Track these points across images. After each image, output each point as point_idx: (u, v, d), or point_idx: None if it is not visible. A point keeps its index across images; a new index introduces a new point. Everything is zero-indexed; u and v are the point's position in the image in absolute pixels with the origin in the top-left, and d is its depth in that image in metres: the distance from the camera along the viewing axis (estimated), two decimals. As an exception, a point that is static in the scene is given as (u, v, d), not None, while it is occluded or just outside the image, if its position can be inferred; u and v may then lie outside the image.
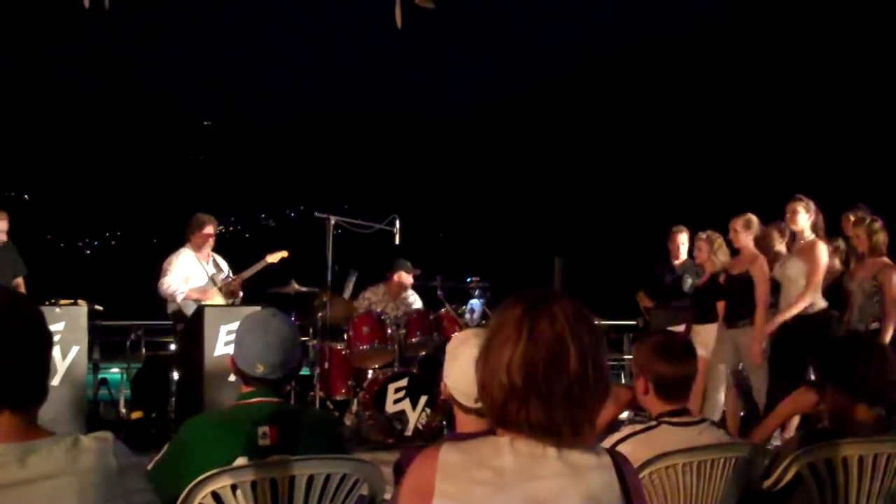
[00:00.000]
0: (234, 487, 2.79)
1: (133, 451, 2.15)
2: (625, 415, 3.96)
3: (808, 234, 7.54)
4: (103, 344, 10.98)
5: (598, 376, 1.95)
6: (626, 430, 3.23)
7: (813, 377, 3.71)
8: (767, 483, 3.27)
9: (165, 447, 3.12)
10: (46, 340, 2.08)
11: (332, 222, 8.56)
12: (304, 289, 8.99)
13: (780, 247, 7.95)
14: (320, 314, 8.81)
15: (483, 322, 8.60)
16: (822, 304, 7.46)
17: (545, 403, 1.92)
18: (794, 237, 7.80)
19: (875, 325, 7.20)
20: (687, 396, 3.26)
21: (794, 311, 7.31)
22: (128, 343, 11.07)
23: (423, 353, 8.88)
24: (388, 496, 2.56)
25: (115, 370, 10.92)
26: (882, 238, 7.30)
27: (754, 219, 7.89)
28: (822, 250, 7.42)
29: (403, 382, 8.42)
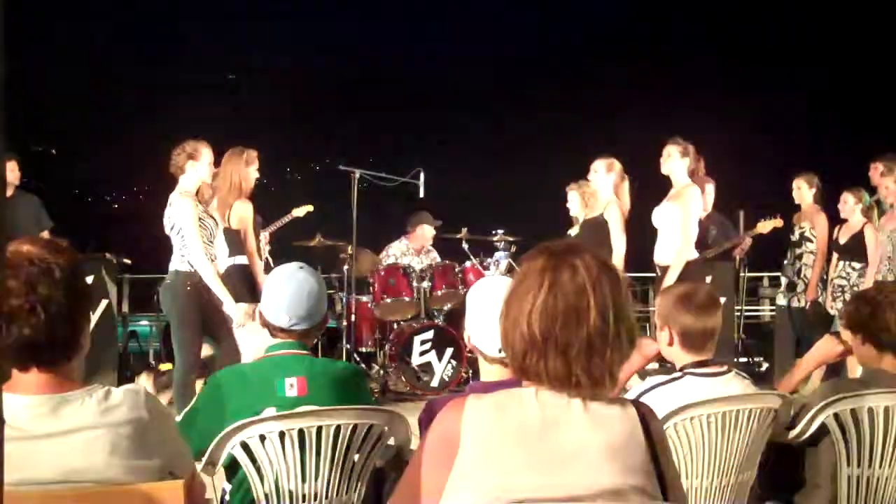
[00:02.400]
0: (262, 437, 2.83)
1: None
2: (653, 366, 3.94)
3: (681, 180, 7.05)
4: (133, 297, 11.08)
5: (619, 329, 1.95)
6: (650, 382, 3.23)
7: (839, 327, 3.68)
8: (793, 434, 3.27)
9: (195, 398, 3.17)
10: (78, 297, 2.07)
11: (357, 176, 8.55)
12: (329, 242, 9.02)
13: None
14: (346, 267, 8.84)
15: (508, 275, 8.59)
16: (693, 254, 7.00)
17: (564, 355, 1.93)
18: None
19: None
20: (711, 347, 3.25)
21: (676, 271, 6.74)
22: (156, 296, 11.17)
23: (449, 305, 8.90)
24: (414, 447, 2.59)
25: (145, 323, 11.02)
26: None
27: (616, 162, 7.58)
28: (696, 196, 6.96)
29: (429, 335, 8.46)
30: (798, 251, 8.48)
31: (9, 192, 8.06)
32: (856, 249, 7.93)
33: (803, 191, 8.49)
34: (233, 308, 6.12)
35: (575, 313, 1.93)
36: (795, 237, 8.53)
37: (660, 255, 7.01)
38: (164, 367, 8.87)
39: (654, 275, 7.33)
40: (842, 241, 8.10)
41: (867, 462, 3.27)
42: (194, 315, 6.13)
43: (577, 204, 8.07)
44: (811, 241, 8.38)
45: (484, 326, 2.85)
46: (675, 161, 6.96)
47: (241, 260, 6.59)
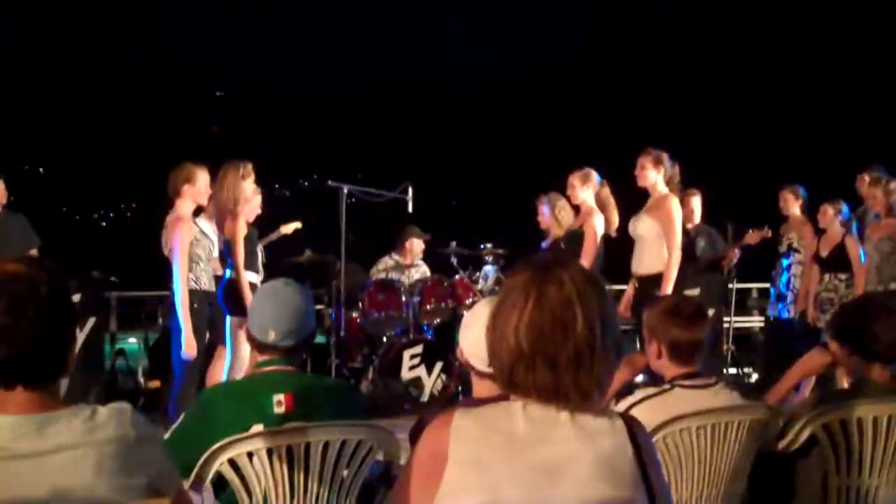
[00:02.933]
0: (250, 455, 2.82)
1: (151, 420, 2.17)
2: (640, 378, 3.95)
3: (661, 190, 6.97)
4: (120, 315, 11.06)
5: (606, 341, 1.96)
6: (639, 394, 3.23)
7: (827, 339, 3.69)
8: (782, 444, 3.28)
9: (182, 416, 3.16)
10: (65, 316, 2.06)
11: (346, 191, 8.55)
12: (318, 257, 9.01)
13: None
14: (335, 282, 8.83)
15: (496, 289, 8.58)
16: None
17: (552, 368, 1.93)
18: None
19: (894, 286, 7.15)
20: (699, 359, 3.26)
21: (671, 279, 6.69)
22: (143, 314, 11.16)
23: (438, 319, 8.89)
24: (403, 462, 2.58)
25: (133, 340, 10.99)
26: None
27: (593, 172, 7.62)
28: (675, 206, 6.87)
29: (418, 349, 8.44)
30: (786, 262, 8.52)
31: None
32: (839, 261, 7.94)
33: (789, 202, 8.54)
34: (188, 339, 6.20)
35: (562, 326, 1.93)
36: (783, 248, 8.56)
37: (638, 266, 7.00)
38: (153, 384, 8.88)
39: (623, 287, 7.27)
40: (823, 253, 8.11)
41: (856, 472, 3.28)
42: (200, 332, 6.21)
43: (548, 216, 8.09)
44: (799, 252, 8.42)
45: (477, 341, 2.85)
46: (649, 172, 6.97)
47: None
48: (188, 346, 6.19)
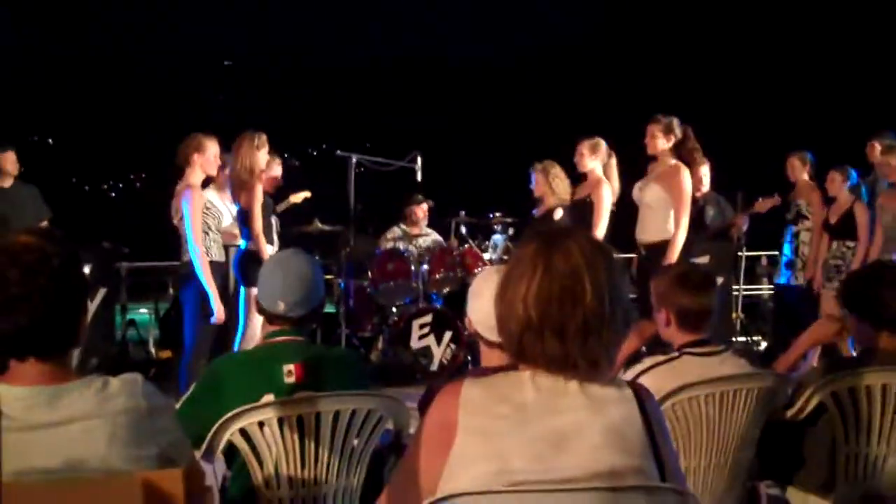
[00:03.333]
0: (261, 424, 2.84)
1: (162, 390, 2.18)
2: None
3: (668, 158, 6.89)
4: (131, 285, 11.09)
5: (615, 310, 1.96)
6: (648, 362, 3.23)
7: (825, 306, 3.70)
8: (791, 412, 3.29)
9: (193, 386, 3.18)
10: (76, 287, 2.08)
11: (354, 161, 8.55)
12: (327, 227, 9.02)
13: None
14: (344, 252, 8.84)
15: (505, 258, 8.58)
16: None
17: (560, 337, 1.93)
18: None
19: None
20: (708, 327, 3.26)
21: (677, 249, 6.64)
22: (154, 284, 11.19)
23: (447, 289, 8.90)
24: (413, 431, 2.60)
25: (144, 311, 11.03)
26: None
27: (602, 142, 7.58)
28: (686, 177, 6.79)
29: (428, 318, 8.46)
30: (795, 229, 8.49)
31: (8, 183, 8.10)
32: (848, 228, 7.92)
33: (797, 169, 8.49)
34: (217, 304, 6.21)
35: (570, 295, 1.93)
36: (792, 215, 8.53)
37: (643, 234, 6.96)
38: (164, 354, 8.93)
39: (632, 255, 7.23)
40: (832, 220, 8.09)
41: (865, 440, 3.29)
42: (208, 302, 6.24)
43: (541, 184, 8.05)
44: (807, 218, 8.38)
45: (486, 310, 2.86)
46: (659, 140, 6.93)
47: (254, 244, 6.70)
48: (218, 311, 6.21)
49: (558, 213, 7.92)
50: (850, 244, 7.89)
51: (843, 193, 8.06)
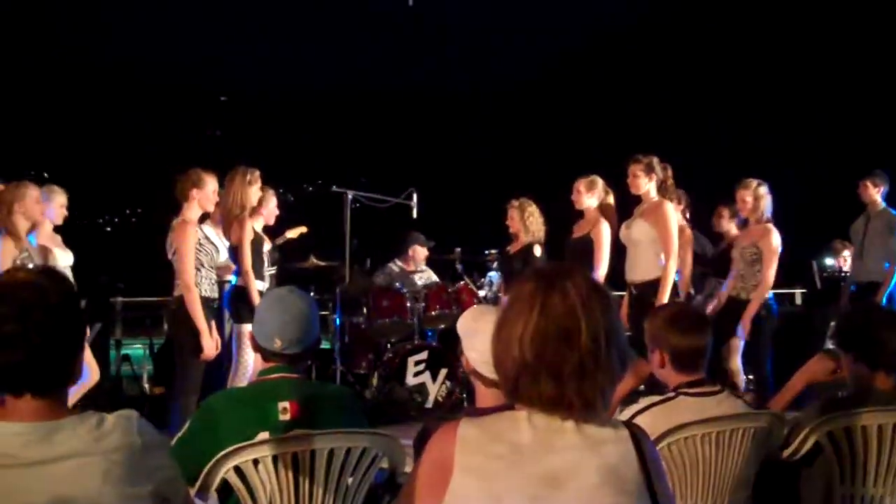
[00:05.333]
0: (255, 462, 2.83)
1: (156, 426, 2.18)
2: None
3: (652, 195, 6.97)
4: (126, 320, 11.07)
5: (610, 351, 1.96)
6: (644, 402, 3.23)
7: (831, 345, 3.69)
8: (786, 452, 3.28)
9: (187, 423, 3.16)
10: (73, 323, 2.08)
11: (350, 197, 8.57)
12: (322, 263, 9.02)
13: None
14: (339, 288, 8.84)
15: (500, 295, 8.59)
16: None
17: (555, 378, 1.93)
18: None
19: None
20: (702, 366, 3.26)
21: (668, 285, 6.69)
22: (149, 320, 11.16)
23: (443, 325, 8.89)
24: (409, 469, 2.59)
25: (138, 346, 11.00)
26: None
27: (599, 180, 7.62)
28: (670, 211, 6.88)
29: (423, 356, 8.44)
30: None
31: None
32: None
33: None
34: (206, 340, 6.18)
35: (566, 336, 1.93)
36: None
37: (633, 273, 6.99)
38: (158, 390, 8.88)
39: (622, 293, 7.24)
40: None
41: (861, 480, 3.28)
42: (200, 338, 6.20)
43: (516, 221, 8.13)
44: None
45: (485, 347, 2.86)
46: (641, 179, 6.98)
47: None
48: (208, 348, 6.19)
49: (537, 251, 8.00)
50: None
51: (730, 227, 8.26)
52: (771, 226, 7.13)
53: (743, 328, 6.93)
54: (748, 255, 7.10)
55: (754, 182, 7.20)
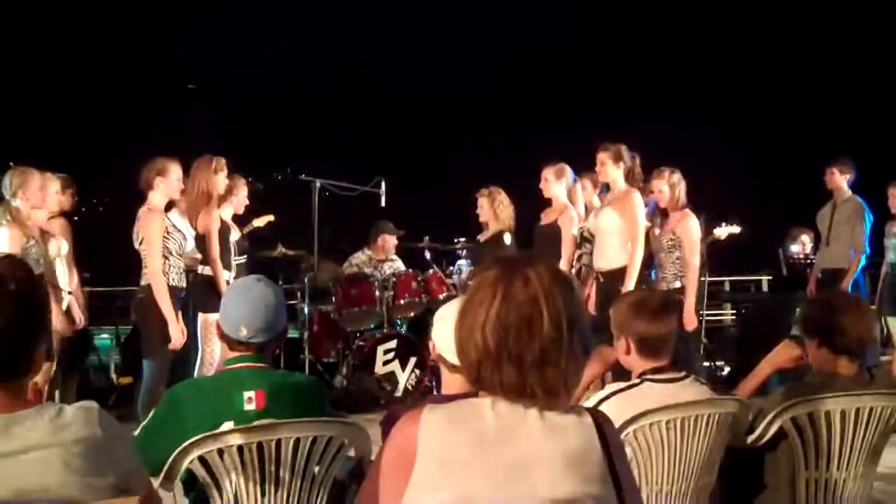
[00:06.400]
0: (220, 452, 2.81)
1: (123, 416, 2.16)
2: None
3: (620, 184, 7.02)
4: (92, 310, 10.99)
5: (573, 339, 1.96)
6: (609, 389, 3.24)
7: (796, 332, 3.71)
8: (751, 438, 3.30)
9: (153, 413, 3.14)
10: (33, 313, 2.05)
11: (318, 185, 8.54)
12: (290, 252, 8.99)
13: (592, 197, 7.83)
14: (307, 277, 8.81)
15: (469, 283, 8.58)
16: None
17: (517, 366, 1.93)
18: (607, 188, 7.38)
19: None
20: (668, 353, 3.27)
21: (634, 274, 6.74)
22: (115, 309, 11.08)
23: (412, 314, 8.89)
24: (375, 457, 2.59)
25: (105, 336, 10.93)
26: None
27: (567, 168, 7.67)
28: (638, 200, 6.91)
29: (392, 344, 8.45)
30: None
31: None
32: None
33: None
34: (174, 329, 6.16)
35: (528, 324, 1.93)
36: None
37: (601, 261, 7.02)
38: (125, 380, 8.83)
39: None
40: None
41: (825, 465, 3.31)
42: (167, 327, 6.17)
43: (486, 210, 8.16)
44: None
45: (450, 334, 2.86)
46: (609, 167, 7.00)
47: (209, 269, 6.65)
48: (175, 337, 6.17)
49: (507, 238, 8.02)
50: None
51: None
52: (688, 211, 7.17)
53: (688, 323, 6.95)
54: (666, 243, 7.13)
55: (667, 171, 7.21)
